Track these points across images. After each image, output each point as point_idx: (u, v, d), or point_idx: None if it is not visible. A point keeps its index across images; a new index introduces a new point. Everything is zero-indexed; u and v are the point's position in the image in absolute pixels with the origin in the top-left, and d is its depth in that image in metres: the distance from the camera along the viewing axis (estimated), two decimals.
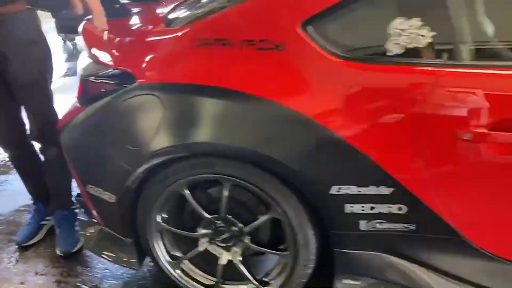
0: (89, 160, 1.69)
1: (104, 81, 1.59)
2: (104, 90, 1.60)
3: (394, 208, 1.40)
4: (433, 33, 1.24)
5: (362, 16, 1.34)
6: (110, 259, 1.80)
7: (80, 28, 1.76)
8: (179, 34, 1.52)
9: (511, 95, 1.19)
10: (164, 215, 1.64)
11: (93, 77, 1.62)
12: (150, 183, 1.56)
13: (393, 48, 1.31)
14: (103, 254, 1.82)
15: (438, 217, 1.34)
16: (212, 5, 1.56)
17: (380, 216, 1.41)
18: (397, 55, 1.29)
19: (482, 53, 1.26)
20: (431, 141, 1.27)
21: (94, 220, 1.87)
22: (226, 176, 1.47)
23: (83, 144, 1.70)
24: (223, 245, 1.64)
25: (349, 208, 1.41)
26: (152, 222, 1.64)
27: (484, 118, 1.21)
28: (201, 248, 1.66)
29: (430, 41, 1.24)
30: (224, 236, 1.62)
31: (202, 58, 1.47)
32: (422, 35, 1.25)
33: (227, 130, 1.41)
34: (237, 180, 1.46)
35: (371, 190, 1.38)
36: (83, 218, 2.11)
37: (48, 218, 2.27)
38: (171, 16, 1.74)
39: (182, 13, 1.72)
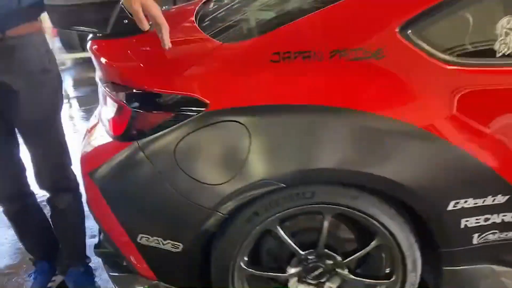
0: (145, 206, 1.42)
1: (162, 111, 1.34)
2: (160, 122, 1.35)
3: (508, 216, 1.32)
4: None
5: (465, 17, 1.26)
6: None
7: (93, 48, 1.47)
8: (249, 49, 1.33)
9: None
10: (246, 258, 1.42)
11: (146, 108, 1.36)
12: (234, 224, 1.34)
13: (502, 48, 1.24)
14: None
15: None
16: (270, 12, 1.39)
17: (493, 226, 1.34)
18: (506, 56, 1.23)
19: None
20: None
21: (132, 273, 1.59)
22: (328, 205, 1.30)
23: (136, 187, 1.42)
24: (314, 282, 1.46)
25: (464, 222, 1.31)
26: (236, 269, 1.41)
27: None
28: None
29: None
30: (317, 272, 1.44)
31: (285, 75, 1.29)
32: None
33: (340, 153, 1.25)
34: (341, 207, 1.30)
35: (488, 200, 1.30)
36: (115, 274, 1.78)
37: (53, 278, 1.91)
38: (210, 27, 1.53)
39: (222, 24, 1.53)
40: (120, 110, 1.42)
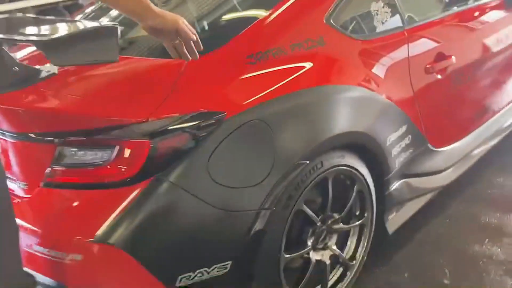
0: (186, 239, 1.30)
1: (180, 135, 1.29)
2: (181, 146, 1.29)
3: (406, 139, 1.89)
4: None
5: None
6: None
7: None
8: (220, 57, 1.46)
9: None
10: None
11: (165, 137, 1.26)
12: (276, 215, 1.41)
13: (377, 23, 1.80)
14: None
15: None
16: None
17: (403, 149, 1.87)
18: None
19: None
20: None
21: None
22: (330, 169, 1.55)
23: (172, 223, 1.28)
24: (321, 246, 1.66)
25: (394, 152, 1.80)
26: (281, 259, 1.47)
27: None
28: (314, 259, 1.61)
29: None
30: (323, 236, 1.65)
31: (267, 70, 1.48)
32: None
33: (331, 121, 1.53)
34: (338, 167, 1.58)
35: (400, 130, 1.82)
36: None
37: None
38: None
39: None
40: (122, 151, 1.26)
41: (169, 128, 1.27)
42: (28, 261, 1.34)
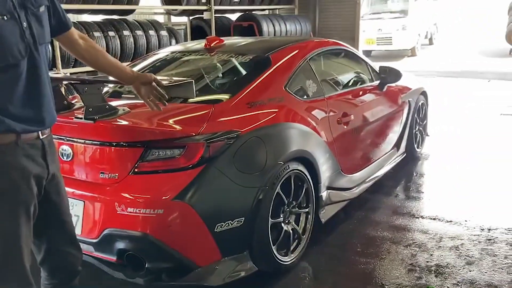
0: (223, 201, 2.28)
1: (220, 141, 2.32)
2: (220, 148, 2.31)
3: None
4: None
5: (298, 81, 2.99)
6: (242, 274, 2.36)
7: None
8: (234, 103, 2.55)
9: None
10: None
11: (214, 141, 2.29)
12: (268, 192, 2.44)
13: (310, 90, 3.05)
14: (233, 276, 2.33)
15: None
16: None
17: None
18: (312, 92, 3.05)
19: None
20: None
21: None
22: (292, 171, 2.64)
23: (216, 191, 2.26)
24: (287, 221, 2.69)
25: (323, 168, 2.96)
26: (269, 222, 2.47)
27: None
28: (287, 229, 2.64)
29: None
30: (287, 215, 2.69)
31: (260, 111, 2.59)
32: None
33: (293, 142, 2.65)
34: (295, 171, 2.67)
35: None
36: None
37: None
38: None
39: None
40: (188, 149, 2.25)
41: (212, 138, 2.29)
42: (120, 222, 2.19)
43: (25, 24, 1.55)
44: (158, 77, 2.09)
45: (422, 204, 3.66)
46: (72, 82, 2.33)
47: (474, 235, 3.07)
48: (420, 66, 11.61)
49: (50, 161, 1.73)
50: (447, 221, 3.29)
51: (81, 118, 2.25)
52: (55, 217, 1.84)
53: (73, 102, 2.63)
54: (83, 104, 2.28)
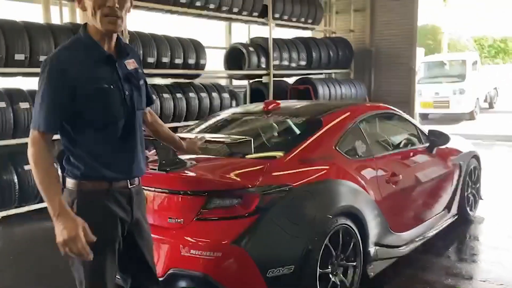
0: (275, 245, 2.50)
1: (273, 193, 2.58)
2: (272, 200, 2.57)
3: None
4: None
5: (348, 142, 3.24)
6: None
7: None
8: (287, 160, 2.83)
9: None
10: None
11: (266, 192, 2.55)
12: (316, 245, 2.64)
13: (360, 151, 3.28)
14: None
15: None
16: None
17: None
18: (362, 154, 3.28)
19: None
20: None
21: None
22: (341, 225, 2.83)
23: (270, 236, 2.49)
24: (335, 272, 2.85)
25: (371, 225, 3.12)
26: (317, 271, 2.65)
27: None
28: (335, 280, 2.79)
29: None
30: (336, 267, 2.85)
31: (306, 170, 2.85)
32: None
33: (341, 200, 2.86)
34: (344, 225, 2.85)
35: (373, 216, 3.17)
36: None
37: None
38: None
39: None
40: (245, 199, 2.52)
41: (266, 190, 2.56)
42: (183, 263, 2.46)
43: (127, 92, 1.91)
44: (220, 135, 2.44)
45: (475, 266, 3.67)
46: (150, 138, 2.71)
47: None
48: (478, 130, 11.47)
49: (135, 208, 2.01)
50: (499, 284, 3.29)
51: (155, 169, 2.61)
52: (138, 258, 2.08)
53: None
54: (157, 158, 2.65)
